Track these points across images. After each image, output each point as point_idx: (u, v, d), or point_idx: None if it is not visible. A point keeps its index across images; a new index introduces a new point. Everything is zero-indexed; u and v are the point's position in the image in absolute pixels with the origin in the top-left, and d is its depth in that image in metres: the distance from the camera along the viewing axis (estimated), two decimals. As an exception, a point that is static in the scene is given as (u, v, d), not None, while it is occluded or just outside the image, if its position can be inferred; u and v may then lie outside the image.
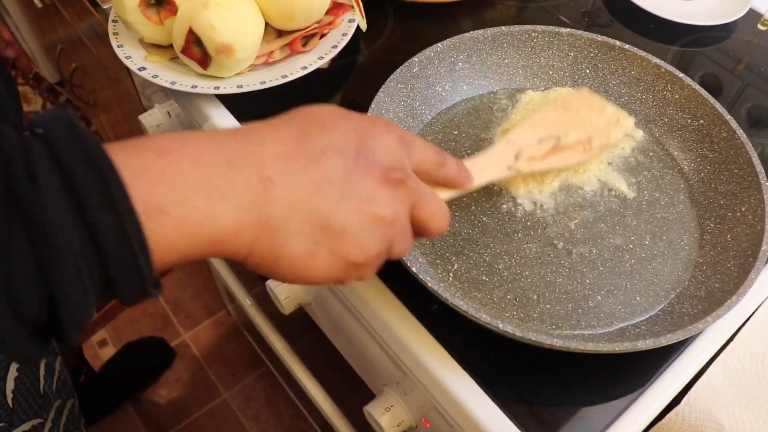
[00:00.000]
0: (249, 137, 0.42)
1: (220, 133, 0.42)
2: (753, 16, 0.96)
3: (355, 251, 0.43)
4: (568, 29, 0.78)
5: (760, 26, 0.96)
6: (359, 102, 0.79)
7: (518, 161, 0.62)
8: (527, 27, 0.78)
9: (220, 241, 0.39)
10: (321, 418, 0.94)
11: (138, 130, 1.35)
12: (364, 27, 0.85)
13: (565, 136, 0.66)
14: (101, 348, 1.76)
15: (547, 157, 0.64)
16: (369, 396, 0.81)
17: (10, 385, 0.74)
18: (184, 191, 0.37)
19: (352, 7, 0.84)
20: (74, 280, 0.33)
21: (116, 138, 1.91)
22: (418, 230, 0.48)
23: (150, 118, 0.95)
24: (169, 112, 0.94)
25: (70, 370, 0.79)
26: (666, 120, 0.76)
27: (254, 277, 0.83)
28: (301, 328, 0.96)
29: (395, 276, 0.61)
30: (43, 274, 0.32)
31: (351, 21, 0.83)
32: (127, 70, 0.94)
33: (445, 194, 0.53)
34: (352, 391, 0.89)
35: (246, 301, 1.04)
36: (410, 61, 0.73)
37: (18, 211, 0.31)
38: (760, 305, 0.66)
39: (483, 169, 0.59)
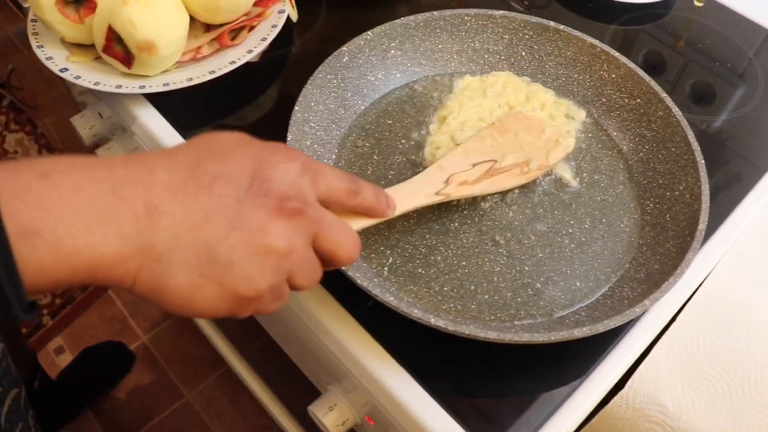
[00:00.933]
0: (141, 165, 0.40)
1: (113, 159, 0.40)
2: (690, -9, 0.96)
3: (244, 285, 0.41)
4: (502, 12, 0.77)
5: (696, 2, 0.95)
6: (293, 95, 0.77)
7: (448, 186, 0.61)
8: (459, 11, 0.76)
9: (99, 269, 0.37)
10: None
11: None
12: (294, 17, 0.82)
13: (501, 160, 0.65)
14: (58, 356, 1.72)
15: (481, 180, 0.63)
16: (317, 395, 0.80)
17: None
18: (62, 215, 0.35)
19: (282, -3, 0.82)
20: None
21: (61, 140, 1.87)
22: (326, 260, 0.46)
23: (81, 120, 0.92)
24: (100, 114, 0.91)
25: (22, 377, 0.78)
26: (604, 100, 0.75)
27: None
28: (248, 331, 0.94)
29: (328, 274, 0.60)
30: None
31: (281, 12, 0.81)
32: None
33: (360, 223, 0.51)
34: (304, 391, 0.88)
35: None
36: (339, 50, 0.71)
37: None
38: (700, 284, 0.66)
39: (408, 196, 0.58)
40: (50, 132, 1.90)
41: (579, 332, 0.54)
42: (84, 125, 0.92)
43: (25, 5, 0.86)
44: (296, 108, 0.66)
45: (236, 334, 0.97)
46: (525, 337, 0.54)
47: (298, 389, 0.93)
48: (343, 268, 0.55)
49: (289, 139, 0.63)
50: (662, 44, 0.91)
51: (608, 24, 0.91)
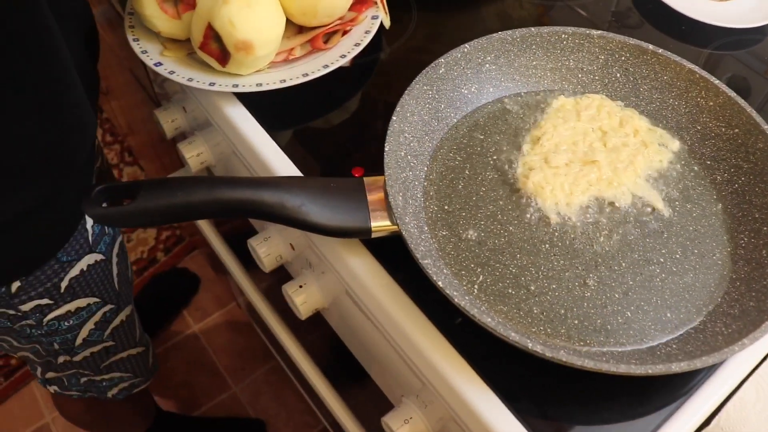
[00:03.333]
0: None
1: None
2: (788, 18, 0.93)
3: None
4: (600, 32, 0.75)
5: (794, 29, 0.93)
6: (381, 102, 0.77)
7: None
8: (557, 28, 0.75)
9: None
10: (330, 414, 0.92)
11: (150, 120, 1.34)
12: (387, 24, 0.82)
13: None
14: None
15: None
16: (378, 394, 0.80)
17: (114, 269, 0.88)
18: None
19: (376, 3, 0.82)
20: None
21: (127, 125, 1.89)
22: None
23: (165, 114, 0.93)
24: (185, 108, 0.91)
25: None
26: (699, 128, 0.74)
27: (264, 273, 0.81)
28: (310, 326, 0.94)
29: (419, 286, 0.59)
30: None
31: (374, 18, 0.81)
32: (142, 59, 0.92)
33: None
34: (362, 389, 0.88)
35: (255, 297, 1.02)
36: (436, 62, 0.71)
37: None
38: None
39: None
40: (116, 116, 1.92)
41: (676, 367, 0.53)
42: (167, 118, 0.93)
43: (122, -3, 0.88)
44: (394, 118, 0.65)
45: (298, 328, 0.97)
46: (621, 369, 0.53)
47: (355, 388, 0.93)
48: (439, 284, 0.55)
49: (386, 149, 0.63)
50: (751, 71, 0.89)
51: (701, 48, 0.90)
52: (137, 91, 1.43)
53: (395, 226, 0.59)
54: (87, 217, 0.79)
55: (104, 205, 0.58)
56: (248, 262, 0.87)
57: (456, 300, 0.54)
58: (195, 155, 0.90)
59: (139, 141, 1.91)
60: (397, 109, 0.66)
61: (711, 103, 0.73)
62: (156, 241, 1.92)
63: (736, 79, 0.88)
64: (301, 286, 0.76)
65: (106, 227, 0.83)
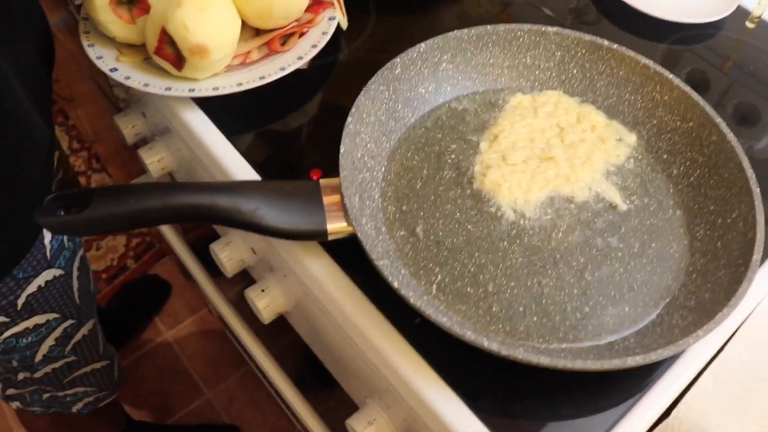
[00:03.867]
0: None
1: None
2: (741, 13, 0.94)
3: None
4: (555, 28, 0.76)
5: (748, 24, 0.94)
6: (340, 104, 0.77)
7: None
8: (513, 26, 0.76)
9: None
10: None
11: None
12: (345, 25, 0.82)
13: None
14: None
15: None
16: (347, 398, 0.80)
17: (74, 284, 0.87)
18: None
19: (333, 4, 0.81)
20: None
21: (93, 132, 1.87)
22: None
23: (125, 119, 0.92)
24: (144, 113, 0.91)
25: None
26: (655, 122, 0.74)
27: (230, 281, 0.81)
28: (279, 331, 0.93)
29: (378, 287, 0.59)
30: None
31: (331, 19, 0.80)
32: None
33: None
34: (331, 393, 0.87)
35: (221, 306, 1.01)
36: (392, 62, 0.71)
37: None
38: (750, 314, 0.65)
39: None
40: (82, 124, 1.90)
41: (632, 361, 0.54)
42: (127, 124, 0.92)
43: (77, 2, 0.87)
44: (349, 119, 0.65)
45: (266, 333, 0.97)
46: (578, 364, 0.54)
47: (324, 392, 0.93)
48: (395, 285, 0.55)
49: (341, 151, 0.63)
50: (709, 65, 0.89)
51: (658, 43, 0.90)
52: (101, 98, 1.42)
53: (351, 228, 0.59)
54: (45, 231, 0.77)
55: (60, 213, 0.57)
56: (215, 269, 0.87)
57: (411, 300, 0.54)
58: (156, 161, 0.89)
59: (105, 148, 1.89)
60: (353, 110, 0.66)
61: (666, 98, 0.74)
62: (126, 248, 1.91)
63: (695, 72, 0.88)
64: (263, 290, 0.75)
65: (65, 241, 0.82)
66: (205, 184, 0.59)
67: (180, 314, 1.78)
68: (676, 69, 0.88)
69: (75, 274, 0.87)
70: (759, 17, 0.94)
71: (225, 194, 0.58)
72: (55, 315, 0.85)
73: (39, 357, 0.88)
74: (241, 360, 1.65)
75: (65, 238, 0.82)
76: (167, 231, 1.08)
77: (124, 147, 1.54)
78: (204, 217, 0.58)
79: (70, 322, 0.88)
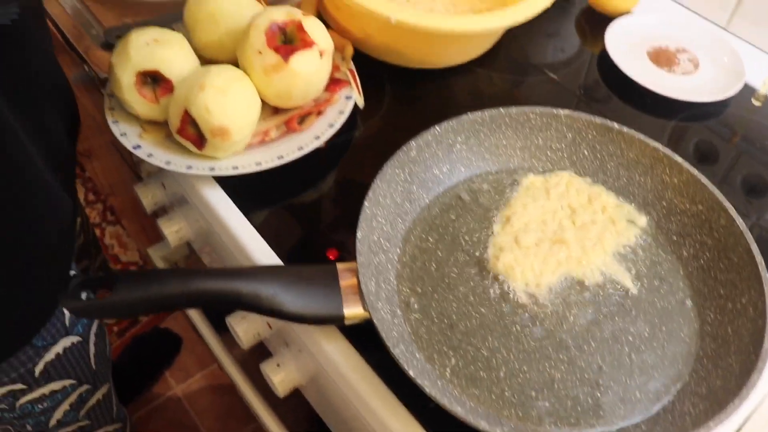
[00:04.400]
0: None
1: None
2: (747, 91, 0.96)
3: None
4: (566, 111, 0.78)
5: (754, 101, 0.96)
6: (355, 181, 0.79)
7: None
8: (525, 108, 0.78)
9: None
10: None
11: (131, 180, 1.35)
12: (361, 104, 0.84)
13: None
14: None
15: None
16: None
17: (91, 349, 0.88)
18: None
19: (349, 83, 0.84)
20: None
21: (109, 185, 1.90)
22: None
23: (144, 189, 0.94)
24: (163, 184, 0.93)
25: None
26: (665, 204, 0.76)
27: (236, 343, 0.82)
28: (292, 400, 0.94)
29: (394, 369, 0.59)
30: None
31: (348, 98, 0.83)
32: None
33: None
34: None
35: (230, 368, 1.02)
36: (408, 144, 0.73)
37: None
38: (762, 401, 0.65)
39: None
40: (98, 177, 1.93)
41: (644, 453, 0.54)
42: (146, 194, 0.94)
43: (102, 75, 0.89)
44: (366, 204, 0.67)
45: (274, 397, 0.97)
46: (590, 456, 0.54)
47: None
48: (410, 374, 0.56)
49: (358, 236, 0.64)
50: (718, 138, 0.91)
51: (667, 120, 0.92)
52: (116, 152, 1.44)
53: (367, 314, 0.60)
54: None
55: (83, 296, 0.58)
56: (223, 326, 0.87)
57: (427, 390, 0.55)
58: (174, 231, 0.91)
59: (120, 201, 1.91)
60: (369, 194, 0.68)
61: (675, 180, 0.75)
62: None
63: (703, 144, 0.90)
64: (278, 365, 0.76)
65: None
66: (225, 270, 0.60)
67: (191, 369, 1.79)
68: (684, 143, 0.90)
69: (92, 340, 0.88)
70: (765, 95, 0.96)
71: (244, 280, 0.59)
72: (71, 381, 0.86)
73: (53, 422, 0.89)
74: (250, 416, 1.64)
75: None
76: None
77: (137, 201, 1.56)
78: (224, 302, 0.60)
79: (85, 387, 0.90)
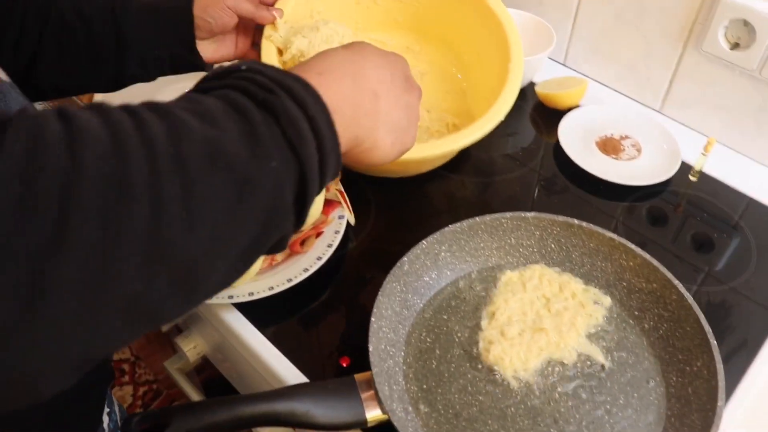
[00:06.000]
0: (359, 66, 0.60)
1: (336, 56, 0.60)
2: (685, 168, 1.10)
3: (412, 139, 0.67)
4: (533, 213, 0.90)
5: (691, 177, 1.10)
6: (353, 293, 0.90)
7: None
8: (497, 215, 0.90)
9: (351, 136, 0.58)
10: None
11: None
12: (353, 221, 0.96)
13: None
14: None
15: None
16: None
17: None
18: (344, 102, 0.55)
19: (340, 203, 0.96)
20: (311, 156, 0.48)
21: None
22: None
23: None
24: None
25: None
26: (625, 284, 0.88)
27: None
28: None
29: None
30: (294, 152, 0.47)
31: (341, 217, 0.94)
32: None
33: None
34: None
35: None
36: (401, 260, 0.84)
37: (271, 113, 0.47)
38: (725, 450, 0.77)
39: None
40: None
41: None
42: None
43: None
44: (372, 319, 0.78)
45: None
46: None
47: None
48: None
49: (370, 349, 0.75)
50: (663, 213, 1.05)
51: (619, 202, 1.05)
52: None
53: (386, 416, 0.71)
54: (104, 415, 0.87)
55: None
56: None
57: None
58: (192, 347, 1.01)
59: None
60: (374, 310, 0.79)
61: (631, 263, 0.88)
62: (133, 398, 1.98)
63: (653, 217, 1.03)
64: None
65: (118, 421, 0.92)
66: (262, 394, 0.71)
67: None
68: (635, 221, 1.03)
69: None
70: (699, 171, 1.09)
71: (280, 401, 0.70)
72: None
73: None
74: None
75: (118, 417, 0.92)
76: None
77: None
78: (265, 422, 0.70)
79: None
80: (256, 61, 0.51)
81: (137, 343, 2.04)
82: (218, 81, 0.50)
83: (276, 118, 0.47)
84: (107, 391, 0.90)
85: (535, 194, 1.07)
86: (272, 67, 0.51)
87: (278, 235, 0.49)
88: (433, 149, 0.94)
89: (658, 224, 1.03)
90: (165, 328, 1.07)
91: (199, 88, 0.51)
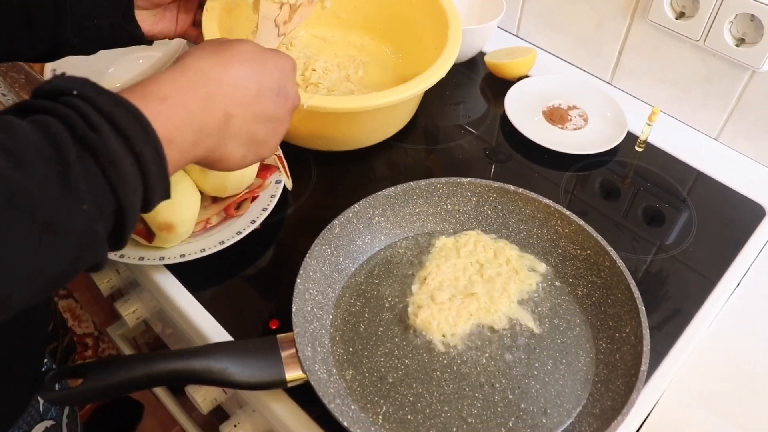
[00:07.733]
0: (217, 84, 0.59)
1: (194, 80, 0.57)
2: (631, 138, 1.10)
3: (270, 152, 0.67)
4: (469, 179, 0.90)
5: (637, 148, 1.09)
6: (292, 257, 0.89)
7: (280, 28, 0.82)
8: (433, 180, 0.89)
9: (196, 156, 0.58)
10: None
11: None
12: (290, 186, 0.95)
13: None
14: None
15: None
16: None
17: (64, 430, 0.92)
18: (184, 129, 0.55)
19: (278, 168, 0.94)
20: (132, 193, 0.48)
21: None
22: None
23: (100, 275, 1.03)
24: (118, 270, 1.02)
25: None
26: (560, 251, 0.88)
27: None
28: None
29: (335, 421, 0.69)
30: (113, 191, 0.47)
31: (278, 182, 0.93)
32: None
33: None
34: None
35: (191, 430, 1.10)
36: (331, 223, 0.83)
37: (89, 151, 0.46)
38: (647, 416, 0.77)
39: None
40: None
41: (544, 471, 0.65)
42: (102, 279, 1.03)
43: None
44: (298, 280, 0.77)
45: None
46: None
47: None
48: (345, 425, 0.66)
49: (293, 309, 0.75)
50: (611, 182, 1.04)
51: (564, 171, 1.05)
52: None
53: (305, 376, 0.71)
54: None
55: (56, 387, 0.67)
56: (181, 391, 0.96)
57: (360, 439, 0.66)
58: (131, 312, 1.00)
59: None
60: (300, 271, 0.78)
61: (566, 230, 0.87)
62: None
63: (603, 187, 1.03)
64: (235, 425, 0.86)
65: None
66: (180, 351, 0.70)
67: (158, 436, 1.85)
68: (581, 190, 1.02)
69: (65, 422, 0.95)
70: (645, 141, 1.09)
71: (197, 358, 0.69)
72: None
73: None
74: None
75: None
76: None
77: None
78: (182, 379, 0.69)
79: None
80: (92, 83, 0.49)
81: (99, 318, 2.03)
82: (47, 102, 0.48)
83: (95, 158, 0.46)
84: (44, 353, 0.88)
85: (479, 163, 1.06)
86: (106, 94, 0.49)
87: (92, 262, 0.49)
88: (375, 100, 0.91)
89: (603, 193, 1.02)
90: (106, 293, 1.05)
91: (27, 105, 0.49)
